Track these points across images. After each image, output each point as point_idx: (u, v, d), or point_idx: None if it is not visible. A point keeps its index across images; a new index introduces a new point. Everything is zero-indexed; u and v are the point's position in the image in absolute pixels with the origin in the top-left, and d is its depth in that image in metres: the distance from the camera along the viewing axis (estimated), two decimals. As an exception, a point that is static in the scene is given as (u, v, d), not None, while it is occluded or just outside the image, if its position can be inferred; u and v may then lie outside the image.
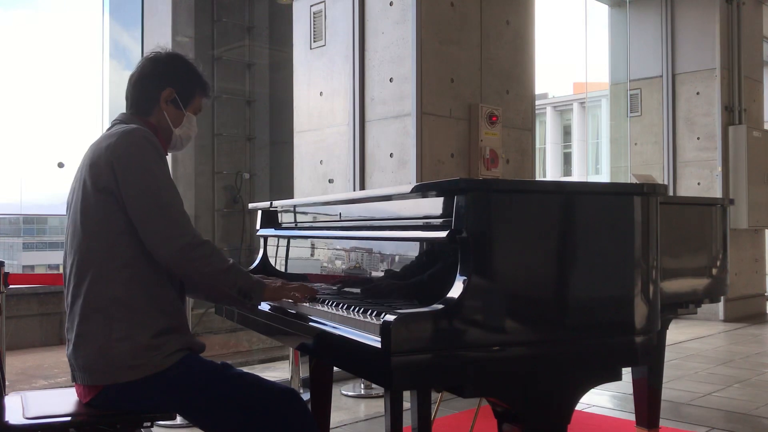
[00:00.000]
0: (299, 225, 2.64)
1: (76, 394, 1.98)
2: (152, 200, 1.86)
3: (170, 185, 1.92)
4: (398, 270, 1.87)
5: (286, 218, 2.75)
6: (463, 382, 1.52)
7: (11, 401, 1.99)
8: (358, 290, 2.05)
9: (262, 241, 2.79)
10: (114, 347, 1.84)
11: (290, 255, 2.61)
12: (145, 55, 2.15)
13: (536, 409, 1.61)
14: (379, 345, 1.46)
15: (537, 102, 5.69)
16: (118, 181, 1.87)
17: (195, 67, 2.15)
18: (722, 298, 3.71)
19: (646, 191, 1.73)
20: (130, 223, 1.88)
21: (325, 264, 2.28)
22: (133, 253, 1.89)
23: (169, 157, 2.11)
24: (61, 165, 6.52)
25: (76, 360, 1.90)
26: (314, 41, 5.23)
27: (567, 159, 29.37)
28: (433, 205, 1.74)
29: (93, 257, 1.89)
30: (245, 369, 2.13)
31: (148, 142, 1.92)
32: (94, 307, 1.87)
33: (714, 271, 2.99)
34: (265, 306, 2.21)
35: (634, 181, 4.96)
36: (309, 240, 2.44)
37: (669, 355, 4.95)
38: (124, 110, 2.12)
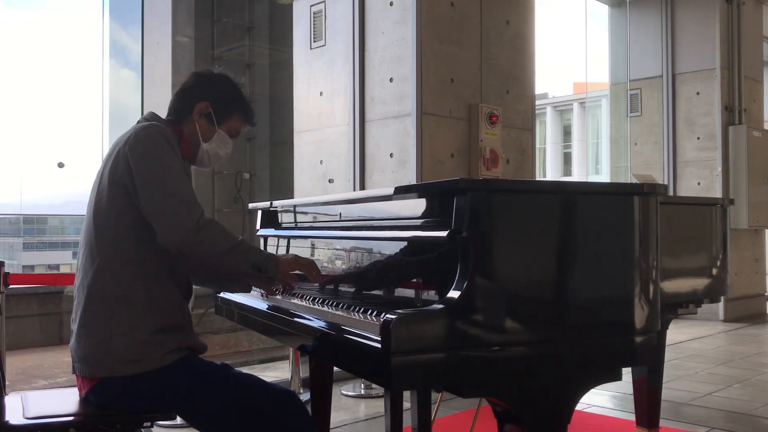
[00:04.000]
0: (299, 225, 2.64)
1: (76, 394, 1.99)
2: (161, 187, 1.88)
3: (180, 175, 1.93)
4: (398, 270, 1.87)
5: (286, 218, 2.75)
6: (463, 382, 1.52)
7: (11, 401, 1.99)
8: (358, 290, 2.05)
9: (262, 241, 2.80)
10: (113, 340, 1.86)
11: (290, 255, 2.60)
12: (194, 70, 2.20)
13: (536, 409, 1.61)
14: (379, 345, 1.46)
15: (537, 102, 5.69)
16: (132, 171, 1.90)
17: (241, 91, 2.18)
18: (722, 298, 3.71)
19: (646, 191, 1.73)
20: (138, 219, 1.90)
21: (325, 264, 2.28)
22: (138, 249, 1.91)
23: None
24: (61, 165, 6.53)
25: (76, 350, 1.92)
26: (314, 41, 5.23)
27: (567, 159, 29.36)
28: (433, 205, 1.75)
29: (100, 250, 1.92)
30: (245, 369, 2.14)
31: (162, 137, 1.95)
32: (97, 299, 1.90)
33: (714, 271, 2.99)
34: (265, 305, 2.21)
35: (634, 181, 4.96)
36: (309, 240, 2.44)
37: (669, 355, 4.95)
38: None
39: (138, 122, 2.08)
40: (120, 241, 1.91)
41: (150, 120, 2.07)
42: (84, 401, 1.95)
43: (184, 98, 2.13)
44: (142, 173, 1.89)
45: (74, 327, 1.95)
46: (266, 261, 1.94)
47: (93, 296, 1.91)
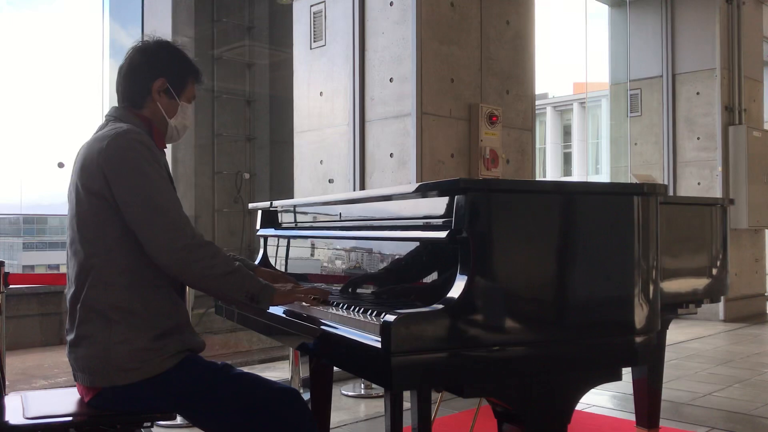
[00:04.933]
0: (299, 225, 2.64)
1: (76, 394, 1.98)
2: (147, 204, 1.82)
3: (165, 187, 1.87)
4: (398, 270, 1.87)
5: (286, 218, 2.75)
6: (463, 382, 1.52)
7: (11, 401, 1.99)
8: (358, 290, 2.05)
9: (262, 241, 2.80)
10: (113, 350, 1.83)
11: (290, 255, 2.61)
12: (132, 45, 2.07)
13: (536, 409, 1.62)
14: (379, 345, 1.46)
15: (537, 102, 5.69)
16: (110, 186, 1.84)
17: (185, 54, 2.09)
18: (722, 298, 3.71)
19: (646, 191, 1.73)
20: (126, 227, 1.85)
21: (325, 264, 2.28)
22: (130, 257, 1.86)
23: (169, 157, 2.10)
24: (61, 165, 6.52)
25: (75, 361, 1.89)
26: (314, 41, 5.23)
27: (567, 159, 29.36)
28: (433, 205, 1.74)
29: (92, 263, 1.87)
30: (245, 369, 2.13)
31: (140, 144, 1.87)
32: (93, 311, 1.86)
33: (714, 271, 2.99)
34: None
35: (634, 181, 4.96)
36: (309, 240, 2.44)
37: (669, 355, 4.95)
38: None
39: (106, 121, 2.00)
40: (111, 252, 1.86)
41: (116, 116, 1.99)
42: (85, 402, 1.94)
43: (136, 79, 2.02)
44: (124, 189, 1.83)
45: (70, 337, 1.90)
46: (262, 292, 1.88)
47: (88, 308, 1.86)
